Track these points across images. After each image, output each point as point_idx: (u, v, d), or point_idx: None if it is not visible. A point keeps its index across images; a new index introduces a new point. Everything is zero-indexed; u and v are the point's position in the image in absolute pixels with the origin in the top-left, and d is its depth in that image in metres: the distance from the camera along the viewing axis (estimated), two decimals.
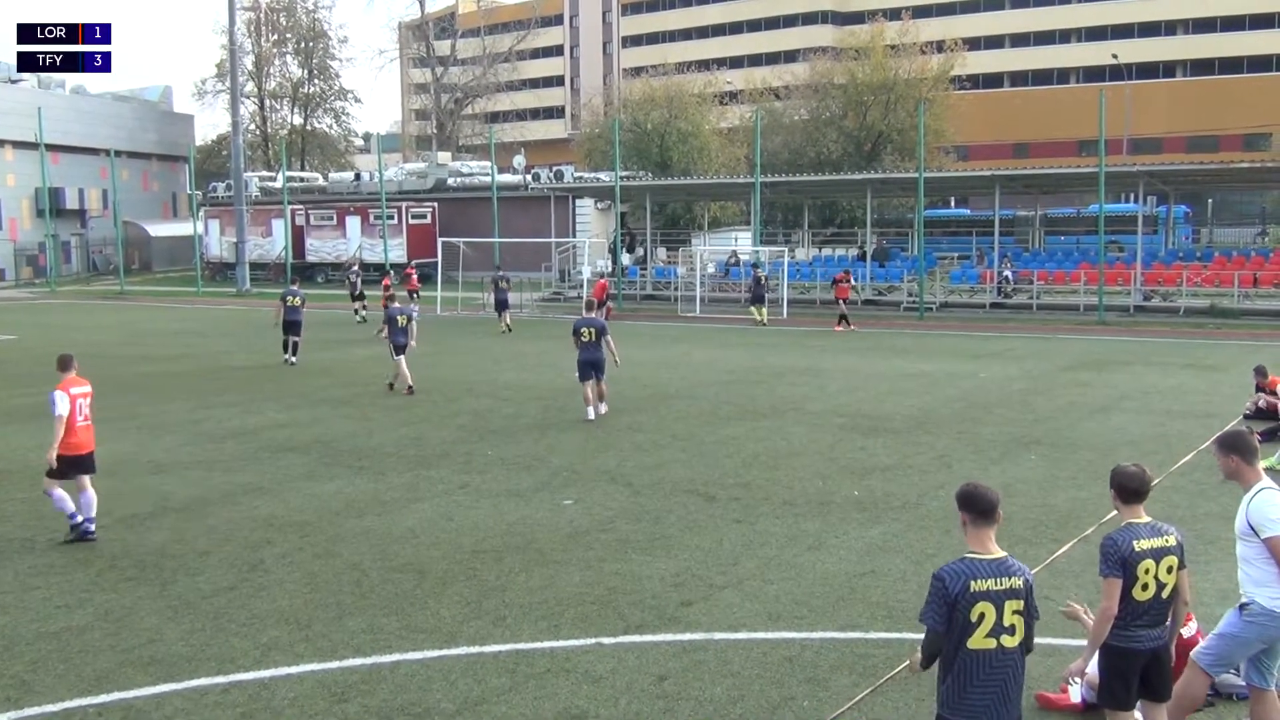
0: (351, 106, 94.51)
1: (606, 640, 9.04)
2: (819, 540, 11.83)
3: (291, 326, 28.03)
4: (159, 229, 73.82)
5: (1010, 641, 5.50)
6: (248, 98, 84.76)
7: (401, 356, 22.83)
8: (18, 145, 66.38)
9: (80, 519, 12.07)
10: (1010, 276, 42.34)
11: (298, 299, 28.27)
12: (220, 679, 8.35)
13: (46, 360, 27.83)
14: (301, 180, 75.49)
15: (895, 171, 51.19)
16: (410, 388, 22.39)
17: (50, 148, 63.48)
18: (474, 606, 9.85)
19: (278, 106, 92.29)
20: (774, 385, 23.38)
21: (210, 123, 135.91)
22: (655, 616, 9.60)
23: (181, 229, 70.69)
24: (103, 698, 8.07)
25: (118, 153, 66.33)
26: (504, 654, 8.78)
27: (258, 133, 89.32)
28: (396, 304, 24.12)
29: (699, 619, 9.52)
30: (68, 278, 67.87)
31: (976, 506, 5.62)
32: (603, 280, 42.34)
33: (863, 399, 21.37)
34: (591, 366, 19.33)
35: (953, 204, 69.24)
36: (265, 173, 77.26)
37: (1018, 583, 5.52)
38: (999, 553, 5.59)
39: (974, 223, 57.69)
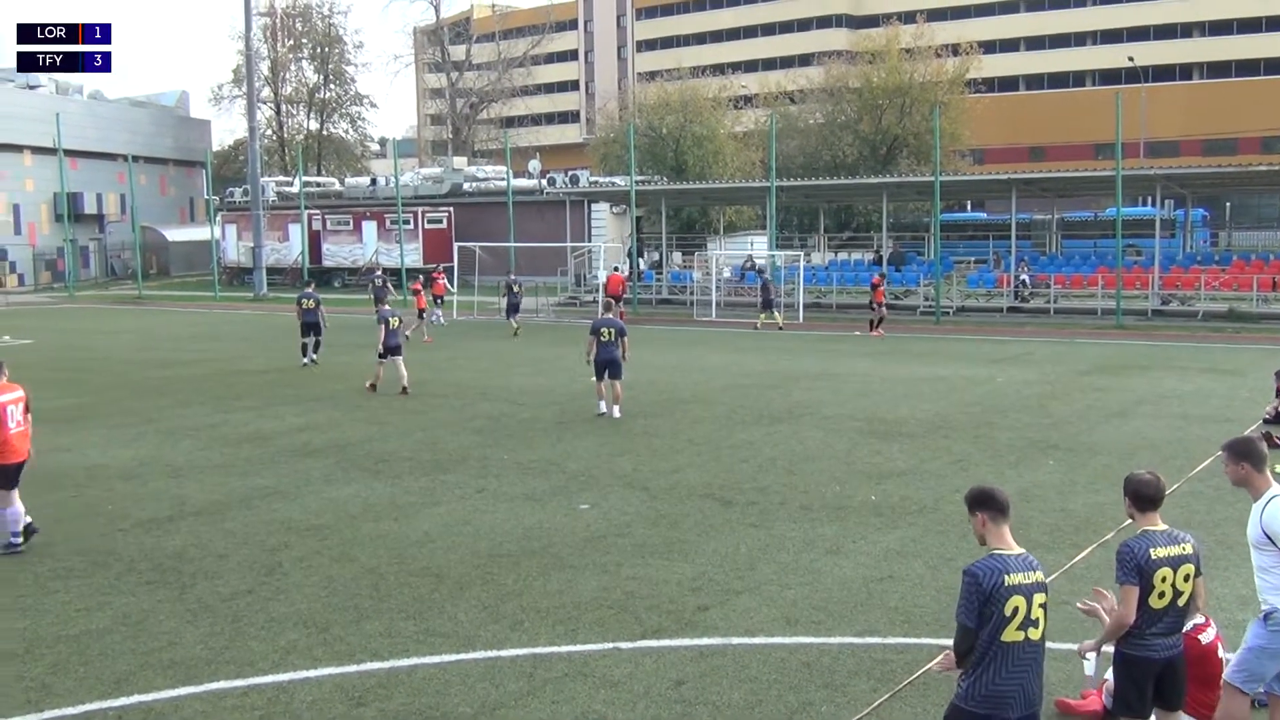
0: (367, 111, 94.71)
1: (624, 645, 9.04)
2: (836, 545, 11.81)
3: (309, 328, 28.22)
4: (176, 234, 74.15)
5: (1035, 634, 5.62)
6: (264, 103, 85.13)
7: (399, 358, 23.12)
8: (36, 151, 66.76)
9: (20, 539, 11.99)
10: (1027, 280, 42.24)
11: (312, 301, 28.46)
12: (239, 682, 8.38)
13: (62, 365, 28.07)
14: (318, 185, 75.72)
15: (911, 175, 51.09)
16: (405, 388, 22.67)
17: (68, 153, 63.86)
18: (491, 611, 9.86)
19: (294, 112, 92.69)
20: (789, 390, 23.35)
21: (227, 128, 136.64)
22: (672, 621, 9.59)
23: (199, 234, 70.98)
24: (122, 700, 8.11)
25: (135, 158, 66.63)
26: (521, 658, 8.79)
27: (274, 138, 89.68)
28: (387, 307, 24.27)
29: (716, 624, 9.51)
30: (86, 282, 68.23)
31: (995, 504, 5.74)
32: (617, 274, 42.37)
33: (878, 403, 21.32)
34: (607, 366, 19.51)
35: (969, 207, 69.09)
36: (282, 178, 77.51)
37: (1041, 576, 5.68)
38: (1019, 548, 5.74)
39: (990, 226, 57.57)
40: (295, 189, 66.61)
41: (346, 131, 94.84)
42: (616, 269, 44.89)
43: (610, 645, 9.01)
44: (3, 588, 10.79)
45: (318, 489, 14.69)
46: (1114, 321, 37.29)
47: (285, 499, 14.17)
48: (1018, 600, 5.52)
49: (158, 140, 77.60)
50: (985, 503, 5.75)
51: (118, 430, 19.24)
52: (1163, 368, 26.32)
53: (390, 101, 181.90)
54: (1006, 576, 5.52)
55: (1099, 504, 13.35)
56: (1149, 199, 50.31)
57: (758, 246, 52.96)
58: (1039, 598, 5.62)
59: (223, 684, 8.35)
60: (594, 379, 19.98)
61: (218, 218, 67.21)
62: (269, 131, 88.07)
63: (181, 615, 9.90)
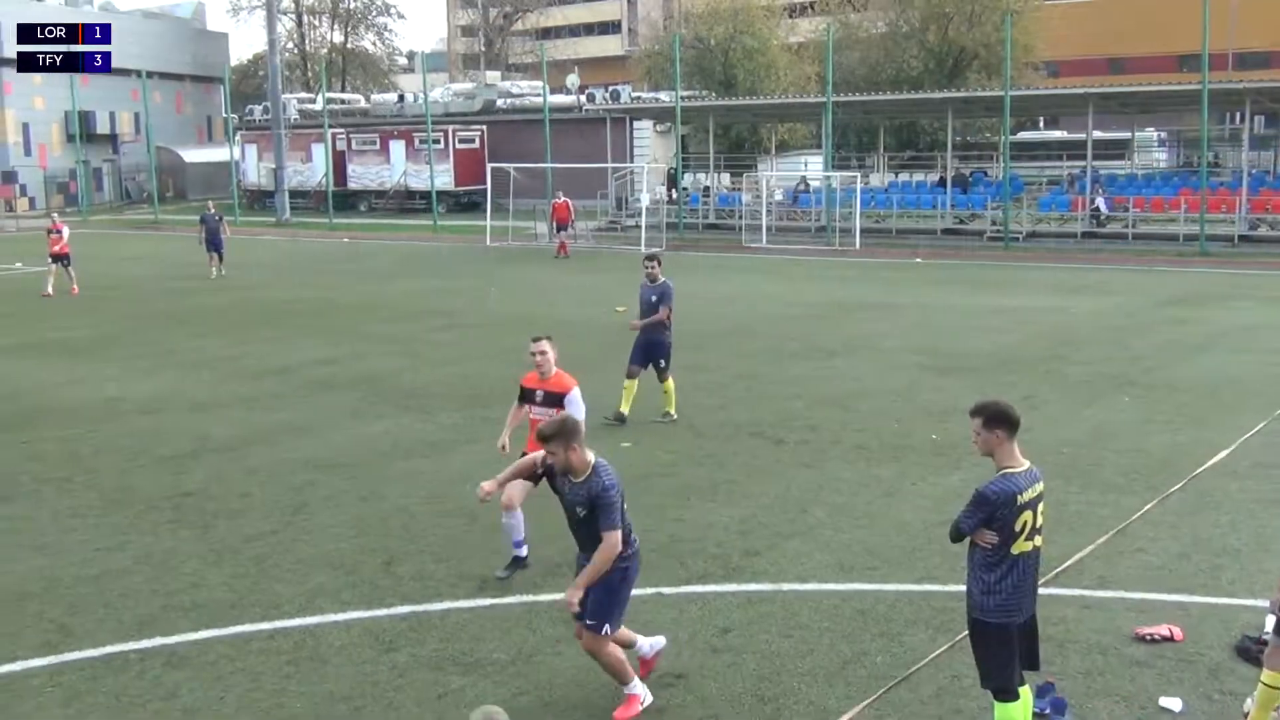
0: (394, 23, 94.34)
1: (667, 590, 9.11)
2: (894, 487, 11.81)
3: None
4: (194, 154, 74.33)
5: (1039, 540, 6.26)
6: (285, 14, 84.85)
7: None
8: None
9: None
10: (1103, 205, 41.55)
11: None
12: (265, 625, 8.53)
13: (86, 294, 28.40)
14: (342, 102, 75.55)
15: (979, 89, 50.26)
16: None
17: None
18: (530, 552, 9.94)
19: (316, 23, 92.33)
20: (844, 321, 23.26)
21: (245, 41, 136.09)
22: (719, 566, 9.65)
23: (217, 154, 71.09)
24: (144, 643, 8.28)
25: (149, 74, 66.64)
26: (559, 603, 8.85)
27: (296, 52, 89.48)
28: None
29: (765, 569, 9.56)
30: (100, 206, 68.71)
31: (1011, 421, 6.20)
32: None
33: (940, 336, 21.19)
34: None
35: (1041, 125, 68.03)
36: (304, 94, 77.42)
37: (1042, 487, 6.25)
38: (1026, 462, 6.23)
39: (1065, 145, 56.67)
40: (318, 106, 66.51)
41: (373, 44, 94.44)
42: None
43: (652, 590, 9.07)
44: (20, 525, 11.02)
45: (345, 425, 14.82)
46: (1197, 248, 36.71)
47: (310, 435, 14.32)
48: (1027, 515, 6.11)
49: (173, 55, 77.53)
50: (1003, 419, 6.17)
51: (135, 360, 19.51)
52: (1249, 298, 25.94)
53: (418, 12, 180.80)
54: (1019, 495, 6.08)
55: (1179, 444, 13.25)
56: (1238, 115, 49.22)
57: (812, 167, 52.44)
58: (1042, 507, 6.22)
59: (248, 627, 8.51)
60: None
61: (236, 137, 67.32)
62: (290, 45, 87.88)
63: (204, 556, 10.08)
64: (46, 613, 8.90)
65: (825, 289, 28.71)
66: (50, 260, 29.37)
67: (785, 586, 9.17)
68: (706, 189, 51.60)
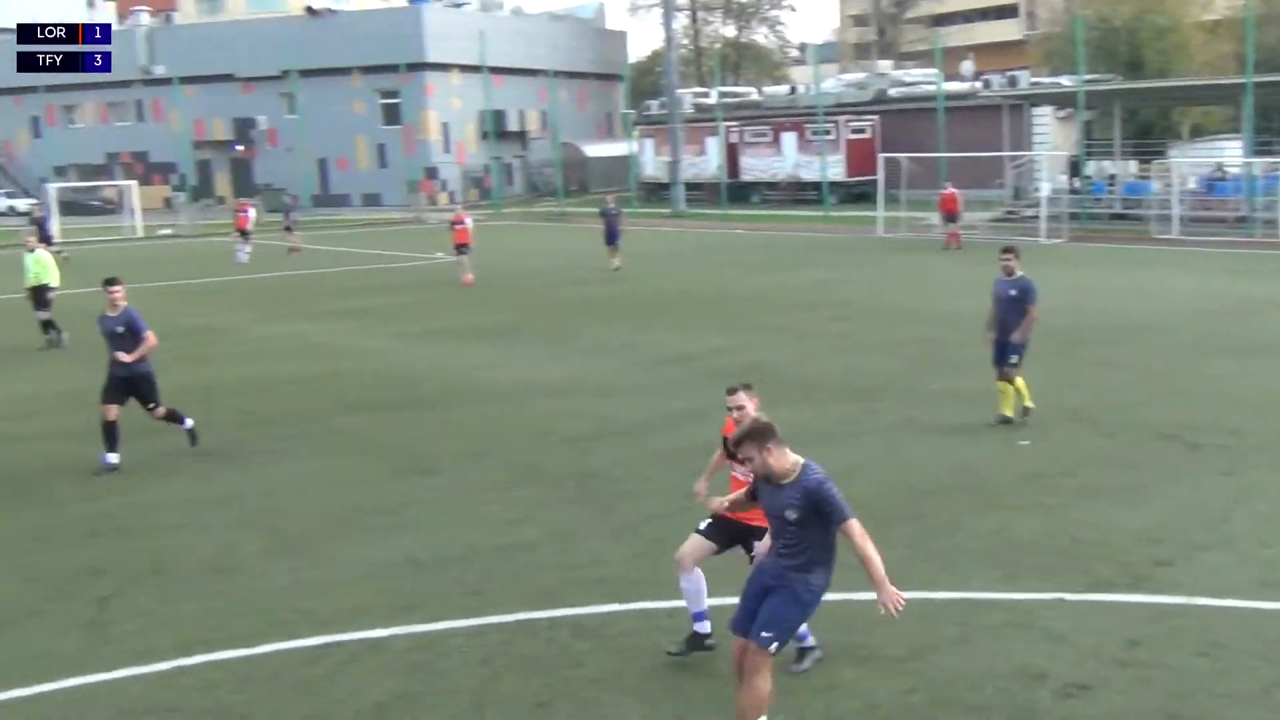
0: (786, 15, 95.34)
1: (1069, 596, 8.76)
2: None
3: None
4: (595, 149, 77.72)
5: None
6: (680, 11, 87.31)
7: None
8: (463, 69, 71.82)
9: None
10: None
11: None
12: (663, 604, 8.81)
13: (492, 283, 30.34)
14: (734, 95, 76.93)
15: None
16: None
17: (491, 70, 68.29)
18: (920, 549, 9.83)
19: (710, 19, 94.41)
20: (1268, 318, 21.61)
21: (643, 39, 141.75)
22: (1126, 574, 9.18)
23: (616, 149, 74.10)
24: (552, 612, 8.77)
25: (554, 73, 70.23)
26: (954, 602, 8.73)
27: (690, 47, 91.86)
28: None
29: (1178, 581, 9.01)
30: (512, 199, 73.05)
31: None
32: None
33: None
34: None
35: None
36: (698, 89, 79.36)
37: None
38: None
39: None
40: (712, 100, 68.03)
41: (764, 37, 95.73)
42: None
43: (1053, 596, 8.76)
44: (442, 495, 11.94)
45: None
46: None
47: (707, 421, 14.67)
48: None
49: (576, 54, 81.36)
50: None
51: (542, 347, 20.68)
52: None
53: (810, 3, 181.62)
54: None
55: None
56: None
57: (1230, 153, 48.82)
58: None
59: (648, 604, 8.84)
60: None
61: (635, 132, 69.86)
62: (685, 41, 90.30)
63: (605, 535, 10.58)
64: (464, 578, 9.58)
65: (1246, 284, 26.67)
66: (455, 250, 31.56)
67: (1199, 601, 8.61)
68: (1112, 177, 49.03)
